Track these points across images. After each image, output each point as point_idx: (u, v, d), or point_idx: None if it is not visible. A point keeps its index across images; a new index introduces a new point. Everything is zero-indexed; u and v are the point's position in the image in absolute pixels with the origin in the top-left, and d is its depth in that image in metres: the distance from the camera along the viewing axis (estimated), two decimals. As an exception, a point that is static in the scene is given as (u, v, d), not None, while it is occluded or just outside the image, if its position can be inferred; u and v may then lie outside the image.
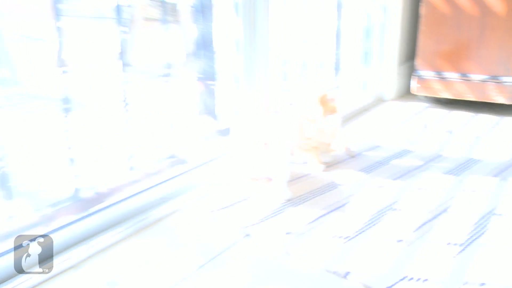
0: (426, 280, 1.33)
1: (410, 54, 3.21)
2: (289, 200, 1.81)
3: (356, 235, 1.56)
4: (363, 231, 1.59)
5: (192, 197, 1.82)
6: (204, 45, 2.04)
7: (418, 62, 3.05)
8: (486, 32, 2.83)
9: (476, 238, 1.54)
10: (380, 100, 3.22)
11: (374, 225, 1.63)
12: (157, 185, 1.77)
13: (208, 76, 2.08)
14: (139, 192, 1.71)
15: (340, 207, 1.75)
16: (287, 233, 1.58)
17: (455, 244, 1.51)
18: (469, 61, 2.91)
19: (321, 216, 1.69)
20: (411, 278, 1.34)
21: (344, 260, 1.42)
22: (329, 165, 2.13)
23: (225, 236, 1.59)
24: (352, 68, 3.03)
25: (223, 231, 1.62)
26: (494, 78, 2.85)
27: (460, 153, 2.28)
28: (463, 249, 1.48)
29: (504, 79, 2.82)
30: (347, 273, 1.36)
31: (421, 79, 3.03)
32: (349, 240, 1.54)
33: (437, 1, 2.92)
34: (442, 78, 2.98)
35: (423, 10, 2.98)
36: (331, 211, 1.73)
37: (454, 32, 2.92)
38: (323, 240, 1.54)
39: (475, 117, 2.87)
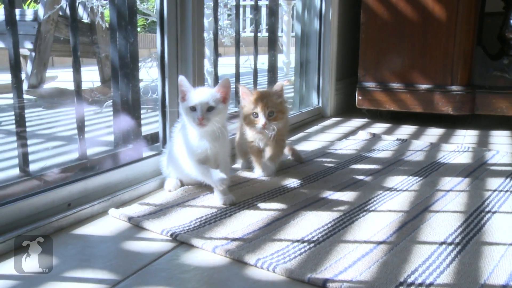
0: (430, 284, 0.98)
1: (354, 69, 2.98)
2: (231, 205, 1.42)
3: (325, 239, 1.20)
4: (333, 234, 1.23)
5: (110, 202, 1.39)
6: (125, 64, 1.65)
7: (360, 73, 2.82)
8: (429, 39, 2.67)
9: (473, 236, 1.22)
10: (321, 116, 2.94)
11: (345, 227, 1.27)
12: (59, 187, 1.32)
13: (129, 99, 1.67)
14: (33, 195, 1.25)
15: (298, 210, 1.39)
16: (233, 239, 1.18)
17: (451, 244, 1.18)
18: (414, 70, 2.72)
19: (275, 220, 1.31)
20: (411, 284, 0.98)
21: (316, 267, 1.04)
22: (276, 171, 1.76)
23: (151, 245, 1.16)
24: (288, 79, 2.73)
25: (149, 240, 1.19)
26: (440, 87, 2.67)
27: (420, 158, 2.01)
28: (462, 248, 1.15)
29: (450, 88, 2.64)
30: (326, 281, 0.98)
31: (364, 91, 2.80)
32: (317, 244, 1.16)
33: (377, 7, 2.74)
34: (387, 89, 2.76)
35: (362, 17, 2.79)
36: (287, 214, 1.35)
37: (396, 40, 2.73)
38: (281, 246, 1.15)
39: (423, 130, 2.65)
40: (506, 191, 1.58)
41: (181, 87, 1.41)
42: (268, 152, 1.72)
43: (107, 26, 3.82)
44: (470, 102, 2.64)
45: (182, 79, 1.40)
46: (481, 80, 2.66)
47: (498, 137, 2.49)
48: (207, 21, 3.75)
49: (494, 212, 1.39)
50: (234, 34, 2.43)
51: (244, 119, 1.66)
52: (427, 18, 2.66)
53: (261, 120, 1.60)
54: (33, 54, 3.51)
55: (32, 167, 1.39)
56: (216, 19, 2.36)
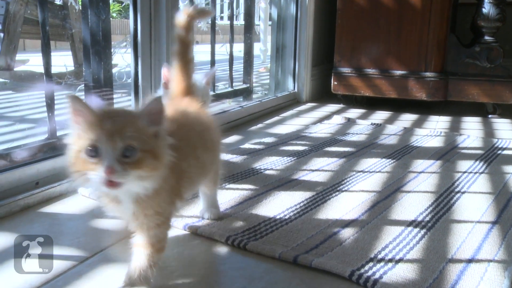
0: (400, 260, 0.99)
1: (329, 55, 2.98)
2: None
3: (297, 217, 1.19)
4: (305, 212, 1.23)
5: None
6: (97, 41, 1.60)
7: (336, 58, 2.82)
8: (404, 26, 2.69)
9: (442, 215, 1.24)
10: (296, 101, 2.94)
11: (318, 206, 1.28)
12: (26, 165, 1.28)
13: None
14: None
15: (270, 190, 1.38)
16: (201, 219, 1.17)
17: (421, 222, 1.19)
18: (389, 57, 2.73)
19: (247, 199, 1.30)
20: (381, 259, 0.99)
21: (287, 243, 1.04)
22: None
23: (121, 223, 1.14)
24: (265, 66, 2.71)
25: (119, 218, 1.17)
26: (415, 73, 2.69)
27: (394, 141, 2.03)
28: (432, 226, 1.16)
29: (424, 74, 2.67)
30: (296, 257, 0.98)
31: (339, 76, 2.81)
32: (289, 222, 1.16)
33: (353, -7, 2.74)
34: (362, 75, 2.77)
35: (339, 3, 2.78)
36: (260, 194, 1.35)
37: (372, 26, 2.74)
38: (252, 224, 1.15)
39: (397, 115, 2.68)
40: (475, 172, 1.61)
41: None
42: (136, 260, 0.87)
43: (81, 8, 3.73)
44: (443, 88, 2.67)
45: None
46: (454, 67, 2.69)
47: (469, 122, 2.53)
48: (183, 4, 3.70)
49: (463, 192, 1.41)
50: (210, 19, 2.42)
51: (72, 166, 0.77)
52: (402, 6, 2.67)
53: (103, 162, 0.73)
54: (2, 35, 3.42)
55: (-1, 147, 1.35)
56: (191, 0, 2.33)
